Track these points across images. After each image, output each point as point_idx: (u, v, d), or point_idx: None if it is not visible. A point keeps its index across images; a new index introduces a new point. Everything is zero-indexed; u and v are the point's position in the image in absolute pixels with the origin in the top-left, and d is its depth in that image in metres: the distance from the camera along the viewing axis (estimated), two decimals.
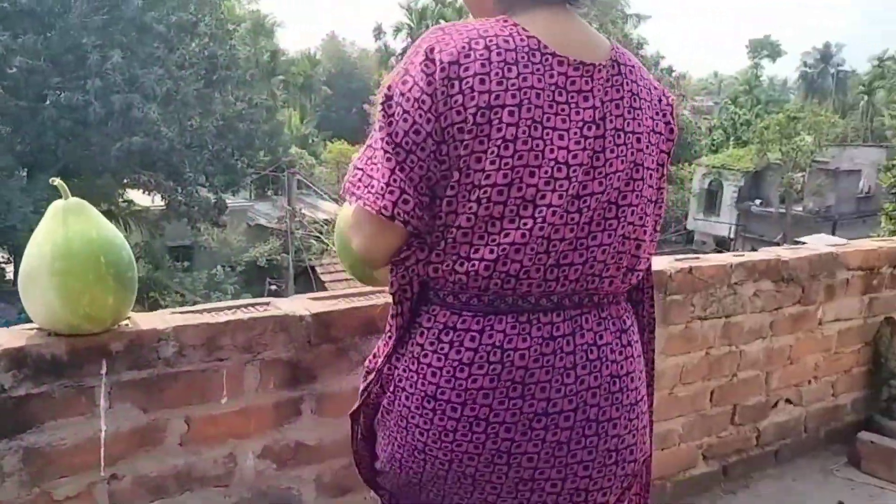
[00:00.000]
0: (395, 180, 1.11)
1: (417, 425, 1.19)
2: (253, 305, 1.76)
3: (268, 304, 1.79)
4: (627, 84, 1.17)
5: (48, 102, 15.01)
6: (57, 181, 1.48)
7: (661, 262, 2.44)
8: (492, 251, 1.11)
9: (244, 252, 23.52)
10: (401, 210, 1.11)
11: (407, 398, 1.20)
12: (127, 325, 1.57)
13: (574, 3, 1.18)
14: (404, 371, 1.21)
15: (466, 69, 1.07)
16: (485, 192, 1.09)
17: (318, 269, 22.41)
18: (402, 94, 1.10)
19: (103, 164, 15.75)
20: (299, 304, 1.79)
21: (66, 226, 1.44)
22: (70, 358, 1.48)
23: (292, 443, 1.79)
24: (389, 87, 1.12)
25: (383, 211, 1.11)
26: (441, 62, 1.07)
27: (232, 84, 18.48)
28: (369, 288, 1.90)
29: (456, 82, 1.07)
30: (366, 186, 1.14)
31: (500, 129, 1.07)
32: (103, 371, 1.52)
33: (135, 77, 15.37)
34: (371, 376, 1.29)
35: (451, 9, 33.11)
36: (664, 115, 1.24)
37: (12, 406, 1.44)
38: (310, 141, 35.49)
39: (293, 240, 18.59)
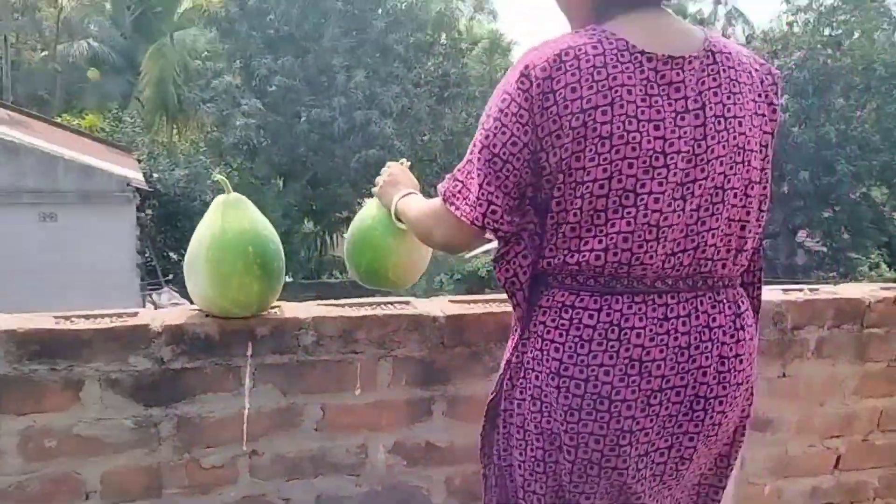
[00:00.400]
0: (485, 193, 1.25)
1: (550, 403, 1.27)
2: (392, 303, 1.82)
3: (407, 303, 1.84)
4: (724, 71, 1.22)
5: (301, 118, 16.66)
6: (219, 176, 1.65)
7: (858, 290, 2.15)
8: (600, 241, 1.21)
9: (467, 262, 24.44)
10: (490, 220, 1.26)
11: (536, 377, 1.29)
12: (274, 312, 1.70)
13: (657, 3, 1.25)
14: (531, 353, 1.30)
15: (559, 81, 1.17)
16: (587, 187, 1.19)
17: None
18: (501, 111, 1.22)
19: (345, 175, 17.17)
20: (436, 305, 1.82)
21: (223, 218, 1.59)
22: (221, 338, 1.63)
23: (423, 442, 1.82)
24: (490, 107, 1.25)
25: (476, 222, 1.27)
26: (536, 77, 1.18)
27: (462, 100, 19.24)
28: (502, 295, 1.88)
29: (550, 95, 1.18)
30: (464, 198, 1.30)
31: (595, 129, 1.16)
32: (249, 353, 1.65)
33: (374, 94, 16.58)
34: (502, 369, 1.39)
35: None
36: (767, 96, 1.28)
37: (170, 377, 1.61)
38: None
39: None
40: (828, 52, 16.74)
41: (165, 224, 15.10)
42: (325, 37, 16.79)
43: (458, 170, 1.31)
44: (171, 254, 15.44)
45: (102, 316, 1.62)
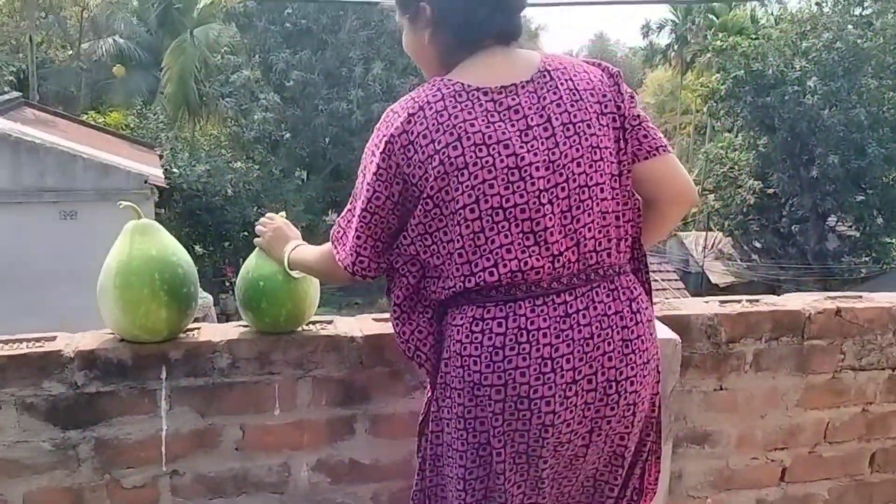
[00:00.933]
0: (357, 243, 1.42)
1: (475, 417, 1.36)
2: (315, 323, 1.83)
3: (330, 322, 1.85)
4: (562, 84, 1.35)
5: (319, 112, 16.73)
6: (127, 204, 1.67)
7: (800, 301, 2.11)
8: (488, 259, 1.33)
9: None
10: (358, 268, 1.44)
11: (459, 395, 1.37)
12: (190, 335, 1.72)
13: (504, 42, 1.39)
14: (453, 371, 1.38)
15: (413, 133, 1.32)
16: (461, 214, 1.31)
17: None
18: (374, 174, 1.36)
19: None
20: (356, 325, 1.83)
21: (131, 244, 1.62)
22: (134, 362, 1.66)
23: (347, 459, 1.83)
24: (364, 164, 1.40)
25: (347, 268, 1.45)
26: (396, 140, 1.33)
27: None
28: None
29: (410, 147, 1.33)
30: (342, 245, 1.46)
31: (451, 163, 1.30)
32: (163, 376, 1.68)
33: (392, 86, 16.57)
34: (428, 391, 1.51)
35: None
36: (608, 94, 1.38)
37: (85, 401, 1.65)
38: None
39: None
40: (858, 33, 16.29)
41: (188, 219, 15.30)
42: (343, 29, 16.82)
43: (343, 216, 1.46)
44: (196, 247, 15.67)
45: (20, 341, 1.66)
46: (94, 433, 1.67)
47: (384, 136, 1.35)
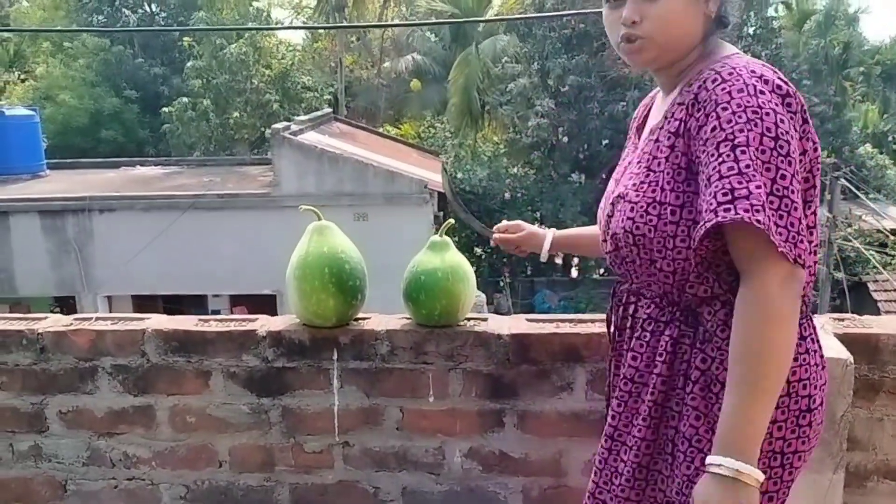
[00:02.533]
0: (800, 227, 1.25)
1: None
2: (469, 319, 1.95)
3: (484, 319, 1.96)
4: None
5: (595, 114, 16.74)
6: (308, 207, 1.94)
7: None
8: (810, 241, 1.28)
9: None
10: (801, 259, 1.26)
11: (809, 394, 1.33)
12: (359, 323, 1.95)
13: None
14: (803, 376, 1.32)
15: (801, 104, 1.28)
16: (811, 193, 1.33)
17: (871, 287, 19.83)
18: (783, 153, 1.22)
19: None
20: (506, 324, 1.92)
21: (309, 243, 1.88)
22: (311, 343, 1.92)
23: (496, 451, 1.93)
24: (761, 136, 1.22)
25: (797, 258, 1.22)
26: (796, 98, 1.27)
27: None
28: (584, 316, 1.92)
29: (806, 115, 1.28)
30: (803, 250, 1.26)
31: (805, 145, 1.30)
32: (335, 357, 1.92)
33: None
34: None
35: None
36: None
37: (274, 374, 1.95)
38: (889, 138, 31.25)
39: (831, 251, 16.90)
40: None
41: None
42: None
43: (777, 221, 1.20)
44: (476, 248, 16.60)
45: (230, 321, 2.01)
46: (282, 402, 1.97)
47: (784, 95, 1.24)
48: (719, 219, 1.18)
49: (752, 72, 1.25)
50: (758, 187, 1.18)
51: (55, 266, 11.32)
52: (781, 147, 1.21)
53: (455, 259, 1.90)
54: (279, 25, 21.34)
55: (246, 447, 2.00)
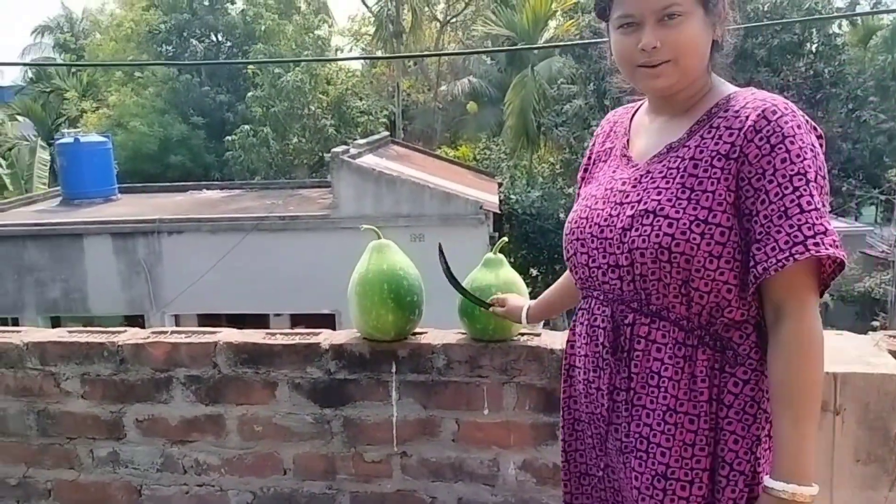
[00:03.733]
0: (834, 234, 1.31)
1: None
2: (523, 334, 2.02)
3: (538, 335, 2.02)
4: None
5: None
6: (369, 227, 2.03)
7: None
8: None
9: (857, 282, 21.62)
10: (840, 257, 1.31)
11: None
12: (416, 337, 2.03)
13: None
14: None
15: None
16: None
17: None
18: (822, 173, 1.32)
19: None
20: (559, 338, 1.97)
21: (369, 260, 1.98)
22: (371, 356, 2.01)
23: (550, 464, 1.98)
24: (811, 166, 1.29)
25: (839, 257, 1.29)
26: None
27: (838, 101, 17.29)
28: None
29: None
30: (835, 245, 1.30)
31: None
32: (393, 370, 2.01)
33: None
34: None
35: None
36: None
37: (336, 385, 2.05)
38: None
39: None
40: None
41: (524, 242, 16.30)
42: None
43: (809, 215, 1.27)
44: (532, 269, 16.61)
45: (295, 334, 2.12)
46: (343, 412, 2.06)
47: (818, 139, 1.34)
48: (812, 252, 1.24)
49: (794, 111, 1.31)
50: (829, 224, 1.27)
51: (125, 286, 11.78)
52: (826, 185, 1.31)
53: (509, 276, 1.97)
54: (335, 57, 21.83)
55: (309, 455, 2.10)
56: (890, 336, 1.84)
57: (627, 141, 1.51)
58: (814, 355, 1.28)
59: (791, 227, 1.25)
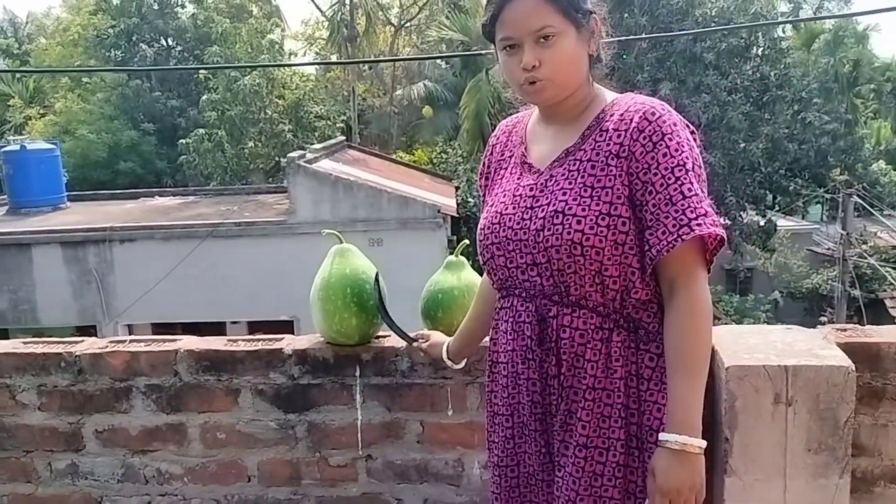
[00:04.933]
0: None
1: None
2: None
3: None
4: None
5: None
6: (330, 231, 2.05)
7: None
8: None
9: (805, 279, 22.20)
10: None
11: None
12: (380, 341, 2.04)
13: None
14: None
15: None
16: None
17: (889, 303, 19.69)
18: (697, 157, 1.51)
19: None
20: None
21: (331, 265, 1.99)
22: (335, 360, 2.02)
23: None
24: (691, 155, 1.48)
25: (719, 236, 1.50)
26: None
27: (783, 103, 17.77)
28: None
29: None
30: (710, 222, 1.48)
31: None
32: (357, 373, 2.01)
33: (682, 106, 16.08)
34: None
35: None
36: None
37: (300, 390, 2.04)
38: None
39: (846, 267, 16.86)
40: None
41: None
42: (631, 53, 16.83)
43: (693, 198, 1.44)
44: None
45: (257, 340, 2.11)
46: (308, 417, 2.06)
47: (689, 135, 1.50)
48: (696, 232, 1.42)
49: (671, 111, 1.49)
50: (708, 206, 1.45)
51: (77, 296, 11.51)
52: (703, 174, 1.49)
53: (470, 277, 1.99)
54: (292, 62, 21.65)
55: (274, 462, 2.09)
56: (837, 329, 1.91)
57: (525, 149, 1.63)
58: (704, 320, 1.46)
59: (677, 211, 1.42)
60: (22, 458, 2.15)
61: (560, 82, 1.50)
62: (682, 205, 1.42)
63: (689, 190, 1.43)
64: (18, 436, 2.14)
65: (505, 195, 1.60)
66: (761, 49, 18.11)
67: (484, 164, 1.75)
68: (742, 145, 17.00)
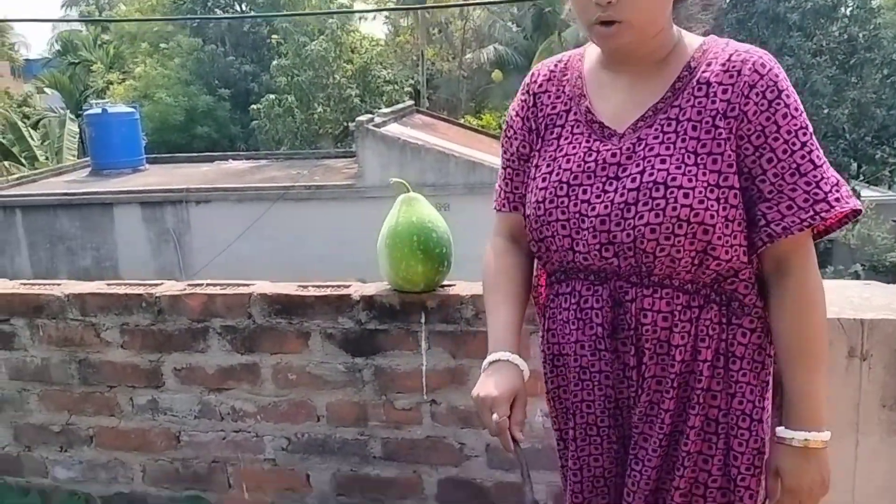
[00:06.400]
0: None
1: None
2: None
3: None
4: None
5: None
6: (398, 180, 2.07)
7: None
8: None
9: (889, 251, 21.25)
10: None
11: None
12: (445, 289, 2.07)
13: None
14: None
15: None
16: None
17: None
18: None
19: None
20: None
21: (399, 213, 2.01)
22: (401, 307, 2.05)
23: None
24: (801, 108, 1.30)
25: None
26: None
27: (871, 66, 16.90)
28: None
29: None
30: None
31: None
32: (422, 320, 2.05)
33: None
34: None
35: None
36: None
37: (367, 335, 2.09)
38: None
39: None
40: None
41: None
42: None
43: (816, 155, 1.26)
44: None
45: (326, 286, 2.16)
46: (374, 362, 2.11)
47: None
48: (836, 209, 1.24)
49: (776, 62, 1.28)
50: (836, 174, 1.27)
51: (155, 254, 11.98)
52: None
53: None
54: (354, 9, 21.68)
55: (342, 403, 2.16)
56: None
57: (589, 103, 1.37)
58: (821, 306, 1.30)
59: (808, 184, 1.24)
60: (106, 393, 2.28)
61: (640, 24, 1.25)
62: (814, 176, 1.24)
63: (818, 158, 1.25)
64: (103, 372, 2.26)
65: (569, 161, 1.35)
66: (849, 9, 17.24)
67: (523, 116, 1.45)
68: (826, 111, 16.29)
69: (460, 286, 2.07)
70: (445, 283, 2.08)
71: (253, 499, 2.28)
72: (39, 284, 2.31)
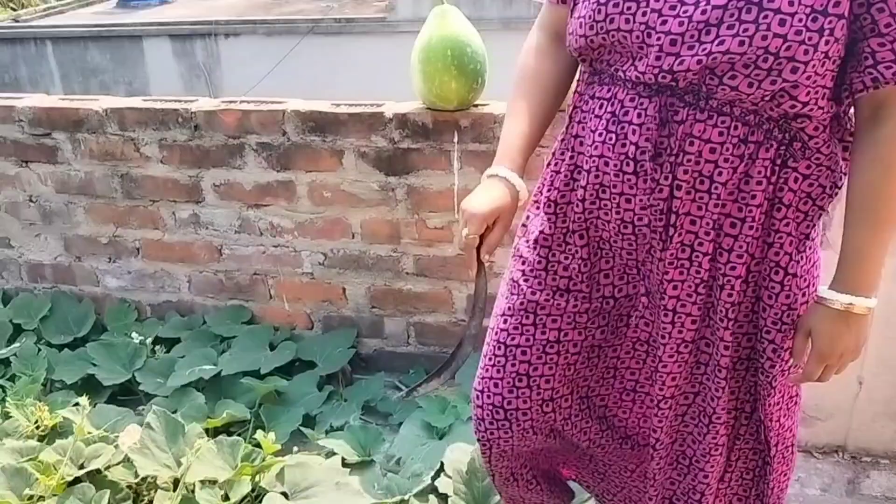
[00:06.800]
0: None
1: None
2: None
3: None
4: None
5: None
6: None
7: None
8: None
9: None
10: None
11: None
12: (479, 108, 2.05)
13: None
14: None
15: None
16: None
17: None
18: None
19: None
20: None
21: (432, 27, 1.97)
22: (434, 125, 2.06)
23: None
24: None
25: None
26: None
27: None
28: None
29: None
30: None
31: None
32: (455, 139, 2.05)
33: None
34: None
35: None
36: None
37: (400, 154, 2.11)
38: None
39: None
40: None
41: None
42: None
43: None
44: None
45: (359, 104, 2.16)
46: (407, 181, 2.14)
47: None
48: None
49: None
50: None
51: (187, 88, 11.87)
52: None
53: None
54: None
55: (375, 221, 2.22)
56: None
57: None
58: None
59: None
60: (149, 207, 2.37)
61: None
62: None
63: None
64: (145, 186, 2.34)
65: None
66: None
67: None
68: None
69: (494, 105, 2.06)
70: (479, 102, 2.07)
71: (293, 309, 2.41)
72: (78, 99, 2.34)
